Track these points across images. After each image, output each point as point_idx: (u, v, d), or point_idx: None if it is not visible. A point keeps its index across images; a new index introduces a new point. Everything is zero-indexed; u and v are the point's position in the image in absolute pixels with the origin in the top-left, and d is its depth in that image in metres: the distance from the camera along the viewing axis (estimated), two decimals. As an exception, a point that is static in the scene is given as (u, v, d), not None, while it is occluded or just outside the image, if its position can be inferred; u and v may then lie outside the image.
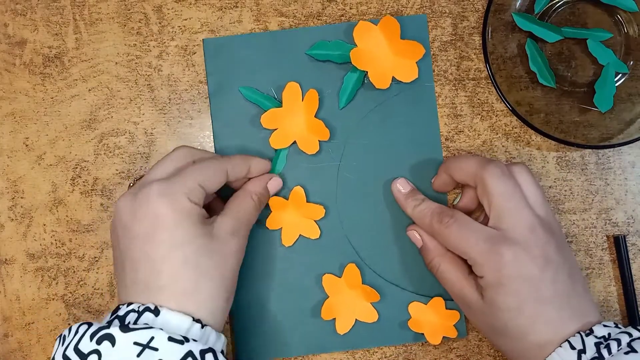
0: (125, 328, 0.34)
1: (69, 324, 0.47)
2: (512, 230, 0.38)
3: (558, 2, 0.46)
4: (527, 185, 0.40)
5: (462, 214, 0.41)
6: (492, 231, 0.39)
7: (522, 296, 0.38)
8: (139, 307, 0.36)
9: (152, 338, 0.34)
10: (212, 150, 0.46)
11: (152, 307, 0.36)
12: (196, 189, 0.38)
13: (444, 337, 0.45)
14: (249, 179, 0.44)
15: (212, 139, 0.47)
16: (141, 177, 0.44)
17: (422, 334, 0.45)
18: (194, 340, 0.35)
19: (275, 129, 0.45)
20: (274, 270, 0.46)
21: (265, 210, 0.45)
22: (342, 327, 0.45)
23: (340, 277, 0.45)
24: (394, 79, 0.45)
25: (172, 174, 0.39)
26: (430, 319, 0.45)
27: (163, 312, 0.35)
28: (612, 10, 0.46)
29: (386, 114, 0.46)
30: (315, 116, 0.45)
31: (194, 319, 0.36)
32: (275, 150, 0.46)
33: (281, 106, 0.45)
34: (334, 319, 0.45)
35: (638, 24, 0.45)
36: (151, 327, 0.34)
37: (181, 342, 0.34)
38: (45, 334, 0.47)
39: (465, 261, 0.41)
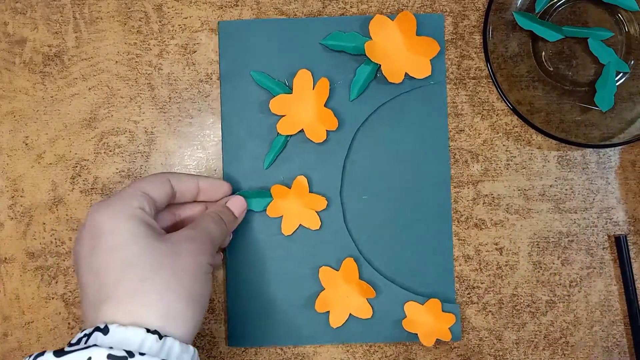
0: (59, 352, 0.30)
1: (69, 323, 0.47)
2: None
3: (559, 1, 0.46)
4: None
5: None
6: None
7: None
8: (90, 330, 0.32)
9: (89, 359, 0.30)
10: (220, 134, 0.46)
11: (102, 326, 0.32)
12: (139, 195, 0.37)
13: (437, 340, 0.45)
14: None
15: (212, 139, 0.47)
16: None
17: (416, 334, 0.45)
18: (142, 354, 0.31)
19: (284, 115, 0.45)
20: (272, 258, 0.46)
21: (267, 198, 0.45)
22: (336, 321, 0.45)
23: (337, 270, 0.45)
24: (406, 75, 0.45)
25: None
26: (426, 320, 0.45)
27: (112, 328, 0.32)
28: (613, 9, 0.46)
29: (397, 109, 0.46)
30: (325, 105, 0.45)
31: (149, 331, 0.32)
32: (277, 134, 0.46)
33: (291, 93, 0.45)
34: (328, 312, 0.45)
35: (639, 23, 0.45)
36: (89, 347, 0.30)
37: (124, 359, 0.30)
38: (45, 333, 0.47)
39: None
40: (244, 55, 0.46)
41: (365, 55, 0.45)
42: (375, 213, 0.46)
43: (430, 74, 0.45)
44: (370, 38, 0.45)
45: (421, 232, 0.46)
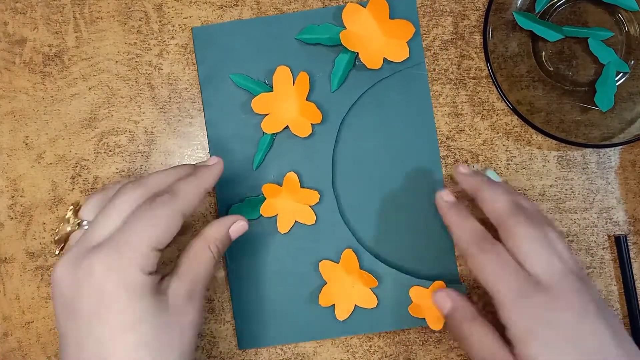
0: None
1: (69, 323, 0.47)
2: (543, 275, 0.36)
3: (559, 1, 0.46)
4: (554, 239, 0.38)
5: (502, 246, 0.38)
6: (525, 274, 0.36)
7: (561, 349, 0.33)
8: None
9: None
10: (206, 142, 0.46)
11: None
12: (149, 255, 0.33)
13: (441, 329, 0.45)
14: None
15: (212, 138, 0.47)
16: (69, 233, 0.38)
17: (424, 319, 0.45)
18: None
19: (267, 114, 0.45)
20: (272, 258, 0.46)
21: (259, 204, 0.45)
22: (342, 314, 0.45)
23: (337, 262, 0.45)
24: (385, 59, 0.45)
25: (118, 228, 0.34)
26: (432, 304, 0.44)
27: None
28: (613, 9, 0.46)
29: (379, 95, 0.46)
30: (307, 99, 0.45)
31: None
32: (263, 134, 0.46)
33: (272, 91, 0.45)
34: (333, 305, 0.45)
35: (639, 23, 0.45)
36: None
37: None
38: (45, 333, 0.47)
39: (495, 326, 0.37)
40: (221, 58, 0.46)
41: (342, 45, 0.45)
42: (369, 201, 0.46)
43: (408, 56, 0.45)
44: (345, 27, 0.45)
45: (417, 215, 0.46)
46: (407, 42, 0.45)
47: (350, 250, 0.45)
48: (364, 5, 0.45)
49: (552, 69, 0.46)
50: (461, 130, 0.46)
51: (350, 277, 0.45)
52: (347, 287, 0.45)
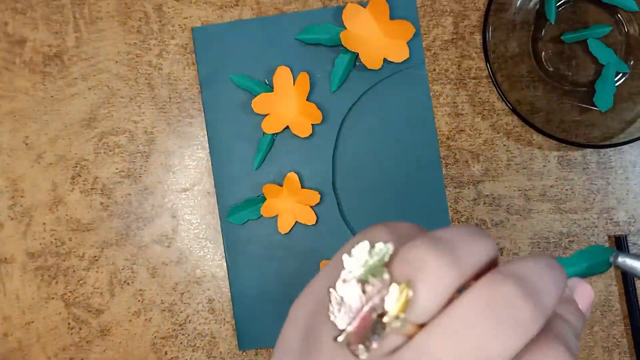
0: None
1: (69, 323, 0.46)
2: None
3: (559, 1, 0.46)
4: None
5: None
6: None
7: None
8: None
9: None
10: (206, 142, 0.46)
11: None
12: None
13: None
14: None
15: (212, 138, 0.47)
16: None
17: None
18: None
19: (268, 114, 0.45)
20: (272, 258, 0.46)
21: (260, 203, 0.46)
22: None
23: None
24: (385, 60, 0.45)
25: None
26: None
27: None
28: (612, 9, 0.45)
29: (379, 95, 0.46)
30: (307, 99, 0.45)
31: None
32: (263, 134, 0.46)
33: (273, 91, 0.45)
34: None
35: (639, 24, 0.45)
36: None
37: None
38: (45, 333, 0.46)
39: None
40: (221, 58, 0.46)
41: (342, 45, 0.45)
42: (370, 201, 0.46)
43: (408, 56, 0.45)
44: (345, 27, 0.45)
45: (418, 215, 0.46)
46: (407, 43, 0.45)
47: None
48: (364, 6, 0.45)
49: (552, 69, 0.46)
50: (461, 131, 0.46)
51: None
52: None
